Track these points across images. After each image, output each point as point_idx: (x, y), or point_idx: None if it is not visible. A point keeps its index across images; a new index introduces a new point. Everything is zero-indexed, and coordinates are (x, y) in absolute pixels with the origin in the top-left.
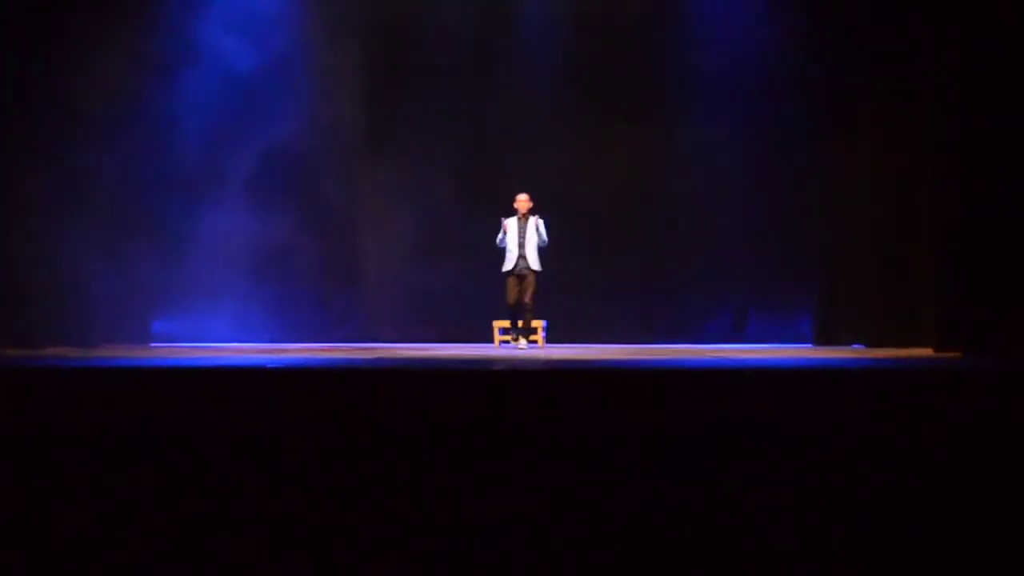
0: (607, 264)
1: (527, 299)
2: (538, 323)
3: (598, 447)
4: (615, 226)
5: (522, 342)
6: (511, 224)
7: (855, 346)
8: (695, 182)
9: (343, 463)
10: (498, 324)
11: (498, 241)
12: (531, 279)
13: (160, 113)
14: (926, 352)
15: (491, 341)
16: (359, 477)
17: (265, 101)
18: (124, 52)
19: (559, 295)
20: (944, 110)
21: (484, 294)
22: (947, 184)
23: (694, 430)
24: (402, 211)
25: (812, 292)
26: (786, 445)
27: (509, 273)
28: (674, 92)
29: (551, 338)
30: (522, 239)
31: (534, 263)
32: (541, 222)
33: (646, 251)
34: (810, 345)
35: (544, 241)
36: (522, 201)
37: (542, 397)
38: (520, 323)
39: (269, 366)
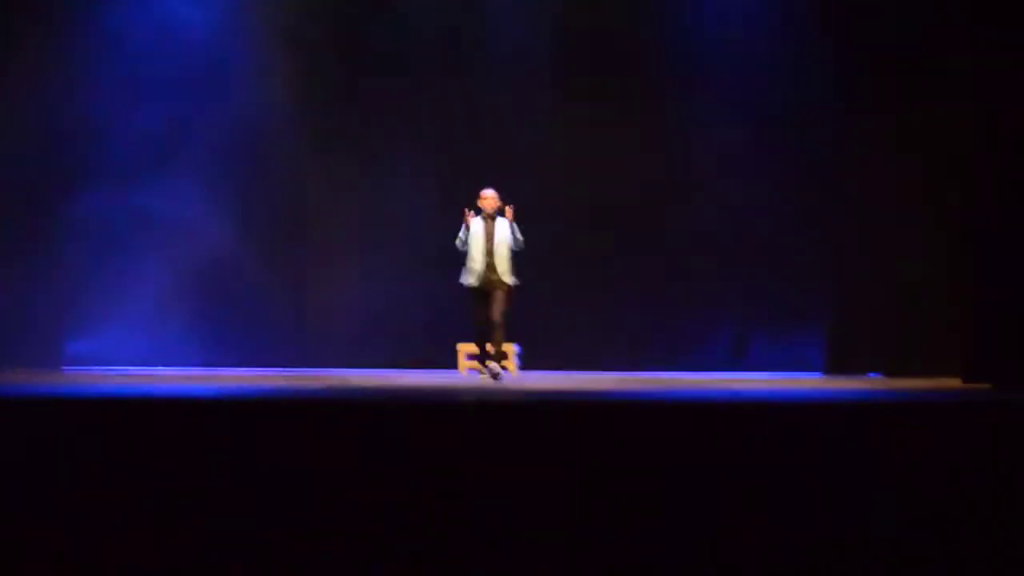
0: (591, 280)
1: (495, 315)
2: (509, 347)
3: (575, 495)
4: (601, 237)
5: (495, 367)
6: (475, 224)
7: (872, 375)
8: (691, 190)
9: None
10: (464, 348)
11: (458, 242)
12: (502, 295)
13: (75, 111)
14: (953, 383)
15: (456, 367)
16: (288, 528)
17: (198, 95)
18: (42, 54)
19: (535, 315)
20: (975, 116)
21: (449, 312)
22: (979, 198)
23: (690, 475)
24: (353, 217)
25: (823, 314)
26: (796, 493)
27: (474, 289)
28: (670, 92)
29: (526, 364)
30: (489, 245)
31: (506, 275)
32: (514, 224)
33: (635, 265)
34: (820, 374)
35: (519, 243)
36: (488, 199)
37: (515, 435)
38: (489, 346)
39: (200, 397)
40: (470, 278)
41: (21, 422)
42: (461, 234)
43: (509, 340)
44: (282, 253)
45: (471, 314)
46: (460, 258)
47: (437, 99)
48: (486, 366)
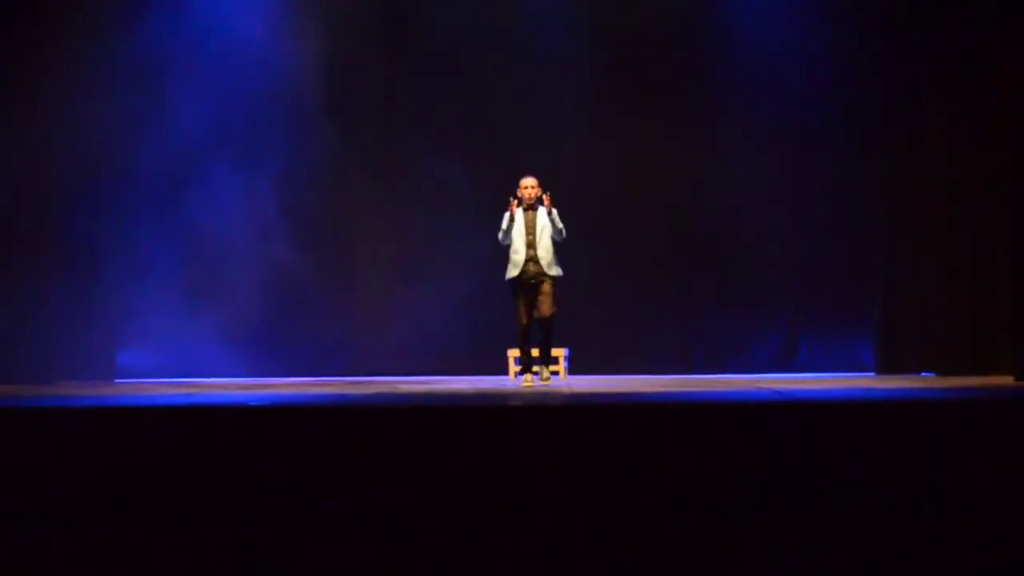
0: (638, 283)
1: (544, 312)
2: (559, 351)
3: (629, 499)
4: (648, 240)
5: (544, 373)
6: (517, 216)
7: (924, 375)
8: (739, 191)
9: (335, 514)
10: (513, 353)
11: (501, 234)
12: (547, 288)
13: (123, 127)
14: (1005, 381)
15: (506, 372)
16: (352, 527)
17: (245, 107)
18: (78, 78)
19: (583, 318)
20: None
21: (497, 317)
22: None
23: (745, 476)
24: (403, 224)
25: (873, 313)
26: (849, 494)
27: (516, 282)
28: (717, 92)
29: (573, 368)
30: (531, 236)
31: (549, 267)
32: (553, 212)
33: (683, 268)
34: (872, 374)
35: (561, 232)
36: (528, 187)
37: (564, 438)
38: (536, 350)
39: (253, 404)
40: (513, 270)
41: (76, 430)
42: (504, 224)
43: (559, 344)
44: (328, 263)
45: (515, 314)
46: (504, 259)
47: (478, 102)
48: (530, 370)
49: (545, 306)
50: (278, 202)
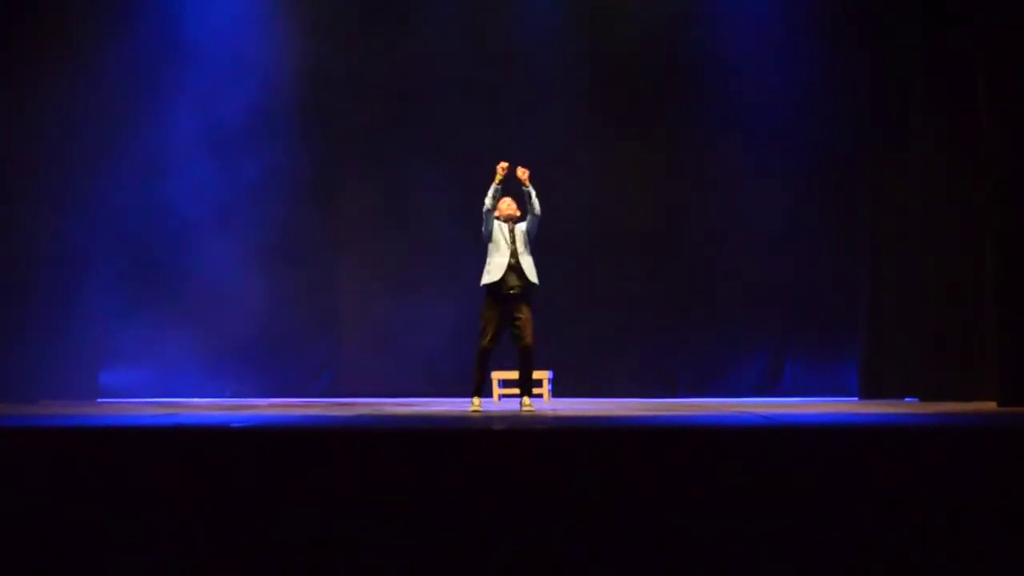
0: (622, 306)
1: (527, 341)
2: (542, 373)
3: (612, 524)
4: (632, 264)
5: (526, 401)
6: (496, 230)
7: (908, 400)
8: (723, 212)
9: (314, 535)
10: (497, 376)
11: (488, 200)
12: (527, 314)
13: (112, 152)
14: (988, 407)
15: (490, 395)
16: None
17: (229, 124)
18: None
19: (567, 341)
20: (1010, 134)
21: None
22: (1013, 213)
23: (727, 502)
24: (387, 246)
25: (857, 338)
26: (829, 518)
27: (493, 291)
28: (700, 118)
29: (557, 391)
30: (514, 246)
31: (532, 274)
32: (530, 189)
33: (667, 292)
34: (856, 399)
35: (537, 216)
36: (503, 209)
37: (548, 462)
38: (513, 375)
39: (234, 425)
40: (493, 274)
41: (57, 451)
42: (491, 190)
43: (540, 366)
44: (313, 284)
45: (480, 327)
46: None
47: (465, 126)
48: (480, 393)
49: (527, 334)
50: (263, 223)
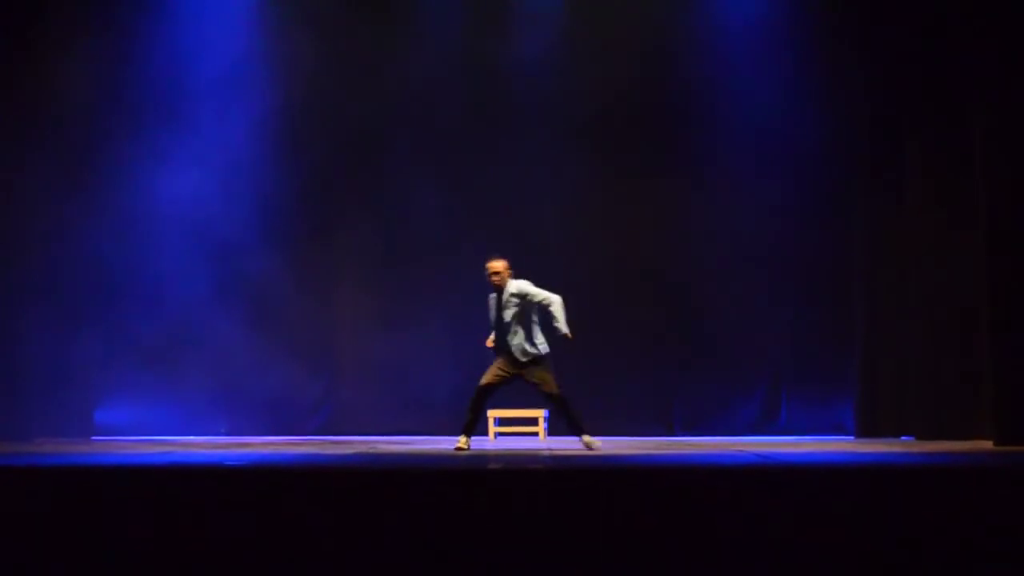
0: (617, 345)
1: (552, 391)
2: (538, 412)
3: (604, 561)
4: (627, 302)
5: (586, 439)
6: (492, 302)
7: (904, 438)
8: (718, 249)
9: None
10: (494, 414)
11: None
12: (539, 373)
13: (107, 185)
14: (984, 446)
15: (486, 434)
16: None
17: (225, 155)
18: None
19: (562, 380)
20: (1002, 167)
21: (477, 378)
22: (1006, 248)
23: (723, 540)
24: (383, 282)
25: (853, 377)
26: (823, 558)
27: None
28: (695, 156)
29: (553, 430)
30: (500, 321)
31: (522, 354)
32: (527, 285)
33: (662, 330)
34: (852, 438)
35: (548, 301)
36: (491, 272)
37: (545, 501)
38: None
39: (229, 463)
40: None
41: (53, 489)
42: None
43: (536, 406)
44: (309, 324)
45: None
46: (490, 326)
47: (463, 165)
48: (469, 433)
49: (548, 386)
50: (259, 261)
